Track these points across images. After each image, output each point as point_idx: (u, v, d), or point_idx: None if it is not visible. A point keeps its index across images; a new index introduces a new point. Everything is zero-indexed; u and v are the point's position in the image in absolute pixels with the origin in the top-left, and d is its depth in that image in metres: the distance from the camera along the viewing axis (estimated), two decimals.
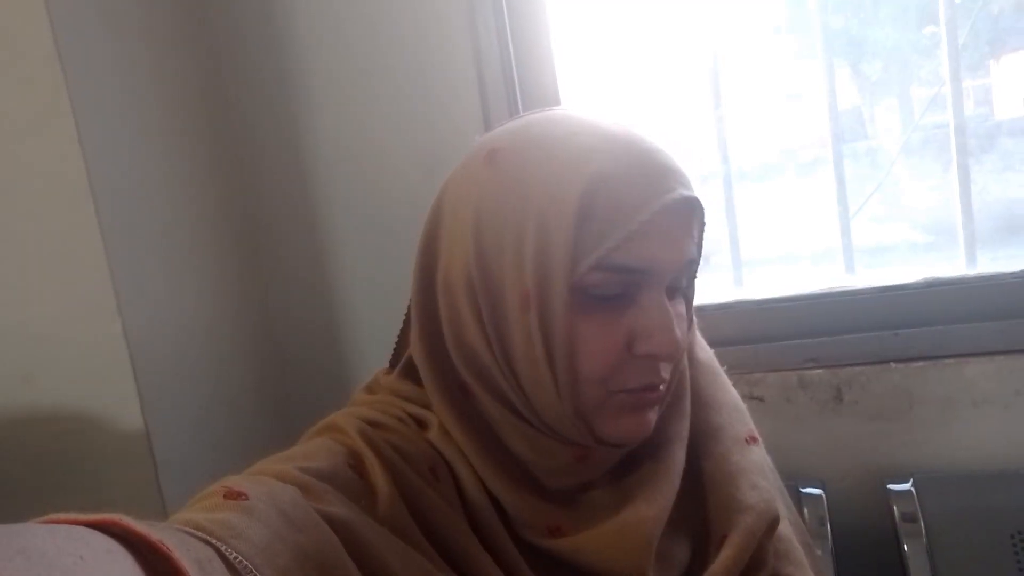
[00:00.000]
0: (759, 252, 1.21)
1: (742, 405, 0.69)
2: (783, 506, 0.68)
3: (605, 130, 0.56)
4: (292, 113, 1.25)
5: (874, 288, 1.13)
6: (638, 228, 0.53)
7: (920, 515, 0.99)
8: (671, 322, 0.54)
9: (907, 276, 1.13)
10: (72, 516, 0.34)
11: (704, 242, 0.61)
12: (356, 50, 1.21)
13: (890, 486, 1.04)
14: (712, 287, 1.22)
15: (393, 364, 0.67)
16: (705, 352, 0.71)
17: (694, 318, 0.66)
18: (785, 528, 0.64)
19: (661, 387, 0.58)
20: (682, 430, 0.63)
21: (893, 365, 1.09)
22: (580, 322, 0.54)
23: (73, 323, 1.02)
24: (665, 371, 0.58)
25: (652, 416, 0.58)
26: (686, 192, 0.56)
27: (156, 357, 1.07)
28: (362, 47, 1.21)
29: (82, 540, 0.32)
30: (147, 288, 1.07)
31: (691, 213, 0.57)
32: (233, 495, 0.45)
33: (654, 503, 0.58)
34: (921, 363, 1.08)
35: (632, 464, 0.62)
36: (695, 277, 0.62)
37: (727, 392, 0.69)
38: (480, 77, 1.16)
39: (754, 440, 0.66)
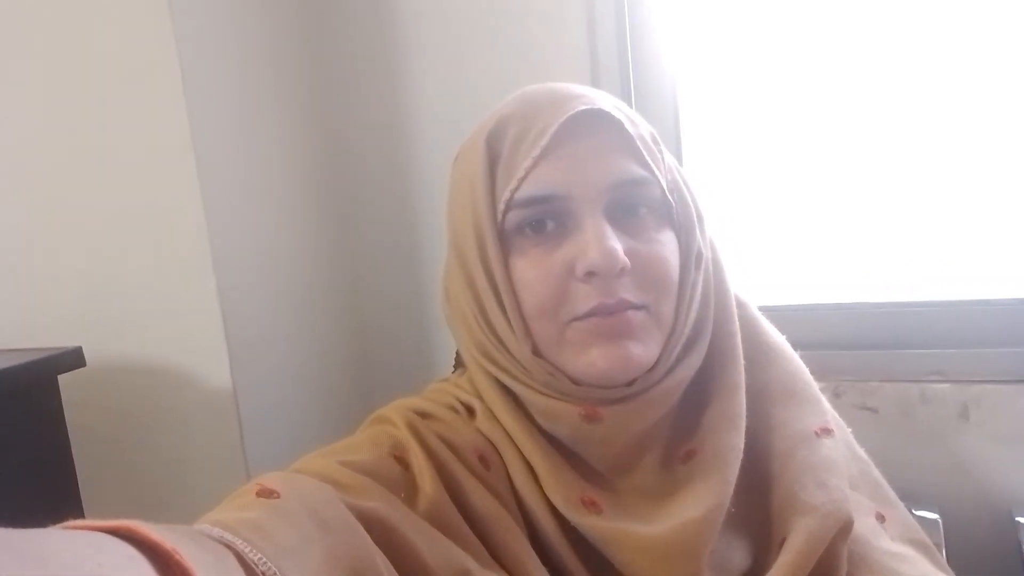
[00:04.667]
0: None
1: (816, 395, 0.63)
2: (871, 501, 0.62)
3: (536, 86, 0.59)
4: (394, 81, 1.23)
5: (1015, 299, 1.02)
6: (541, 154, 0.54)
7: None
8: (604, 236, 0.52)
9: None
10: (90, 522, 0.33)
11: (658, 159, 0.58)
12: (464, 18, 1.17)
13: (1020, 519, 0.94)
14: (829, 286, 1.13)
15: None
16: (769, 336, 0.65)
17: (704, 254, 0.60)
18: (864, 528, 0.58)
19: (629, 312, 0.54)
20: (731, 411, 0.58)
21: None
22: (517, 261, 0.55)
23: (168, 278, 1.03)
24: (626, 291, 0.53)
25: (631, 347, 0.54)
26: (586, 106, 0.54)
27: (247, 318, 1.07)
28: (470, 13, 1.16)
29: (102, 547, 0.31)
30: (243, 249, 1.07)
31: (603, 128, 0.55)
32: (265, 493, 0.44)
33: (702, 502, 0.54)
34: None
35: (678, 448, 0.58)
36: (664, 201, 0.57)
37: (797, 380, 0.63)
38: (592, 48, 1.10)
39: (826, 432, 0.59)
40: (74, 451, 1.00)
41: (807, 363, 0.65)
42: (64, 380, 0.98)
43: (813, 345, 0.69)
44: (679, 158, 1.15)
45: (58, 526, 0.33)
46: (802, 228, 1.15)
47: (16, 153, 1.07)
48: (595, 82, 1.10)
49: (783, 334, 0.67)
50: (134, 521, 0.33)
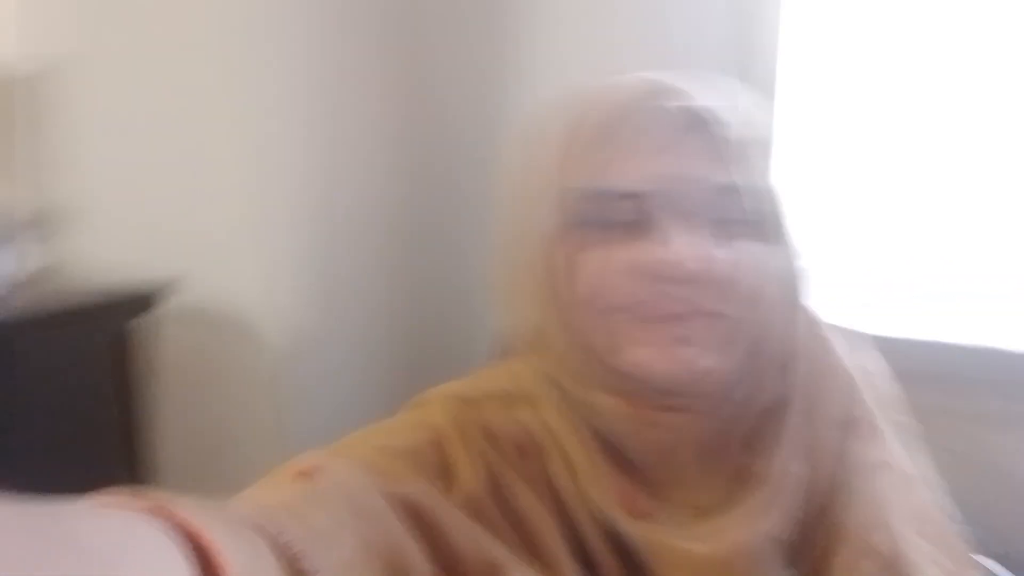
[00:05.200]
0: None
1: (885, 427, 0.59)
2: (933, 546, 0.57)
3: (633, 75, 0.55)
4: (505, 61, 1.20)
5: None
6: (618, 146, 0.51)
7: None
8: (679, 240, 0.50)
9: None
10: (121, 499, 0.33)
11: (755, 166, 0.53)
12: None
13: None
14: None
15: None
16: (841, 360, 0.60)
17: (792, 269, 0.56)
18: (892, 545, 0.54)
19: (700, 317, 0.51)
20: (798, 436, 0.55)
21: None
22: (583, 253, 0.52)
23: (243, 228, 1.04)
24: (698, 297, 0.50)
25: (697, 354, 0.51)
26: (679, 103, 0.51)
27: (320, 278, 1.08)
28: None
29: (129, 530, 0.31)
30: (325, 211, 1.08)
31: (695, 127, 0.51)
32: (302, 475, 0.45)
33: (755, 525, 0.51)
34: None
35: (737, 466, 0.55)
36: (753, 211, 0.53)
37: (866, 409, 0.59)
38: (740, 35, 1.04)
39: (888, 467, 0.56)
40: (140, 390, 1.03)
41: (889, 396, 0.62)
42: (138, 323, 1.00)
43: (896, 377, 0.65)
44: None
45: (99, 497, 0.33)
46: (909, 255, 1.09)
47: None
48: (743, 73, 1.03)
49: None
50: (166, 500, 0.33)
